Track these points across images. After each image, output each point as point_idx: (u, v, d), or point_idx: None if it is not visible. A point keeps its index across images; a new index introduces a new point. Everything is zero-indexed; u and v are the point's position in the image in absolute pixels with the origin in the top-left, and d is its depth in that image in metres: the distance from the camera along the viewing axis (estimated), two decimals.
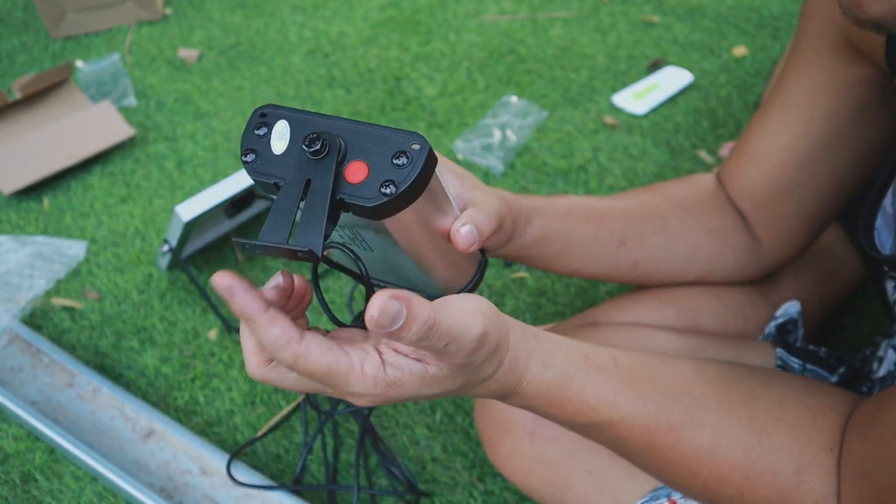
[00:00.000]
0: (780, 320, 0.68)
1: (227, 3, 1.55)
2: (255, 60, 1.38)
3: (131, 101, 1.28)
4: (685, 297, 0.70)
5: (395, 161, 0.35)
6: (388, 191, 0.35)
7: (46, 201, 1.10)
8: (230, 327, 0.90)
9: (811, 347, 0.64)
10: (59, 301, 0.94)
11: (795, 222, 0.61)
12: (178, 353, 0.88)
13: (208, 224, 0.94)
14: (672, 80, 1.27)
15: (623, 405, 0.44)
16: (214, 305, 0.89)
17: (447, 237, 0.43)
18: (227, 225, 0.99)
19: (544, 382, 0.43)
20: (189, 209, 0.80)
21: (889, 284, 0.51)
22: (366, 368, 0.36)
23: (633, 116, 1.21)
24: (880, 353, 0.63)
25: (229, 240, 1.01)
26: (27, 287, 0.95)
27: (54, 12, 1.43)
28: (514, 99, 1.23)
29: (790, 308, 0.69)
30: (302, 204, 0.36)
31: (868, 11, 0.32)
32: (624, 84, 1.28)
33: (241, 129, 1.22)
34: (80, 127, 1.15)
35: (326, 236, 0.35)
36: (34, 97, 1.16)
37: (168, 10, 1.53)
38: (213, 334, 0.90)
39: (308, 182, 0.36)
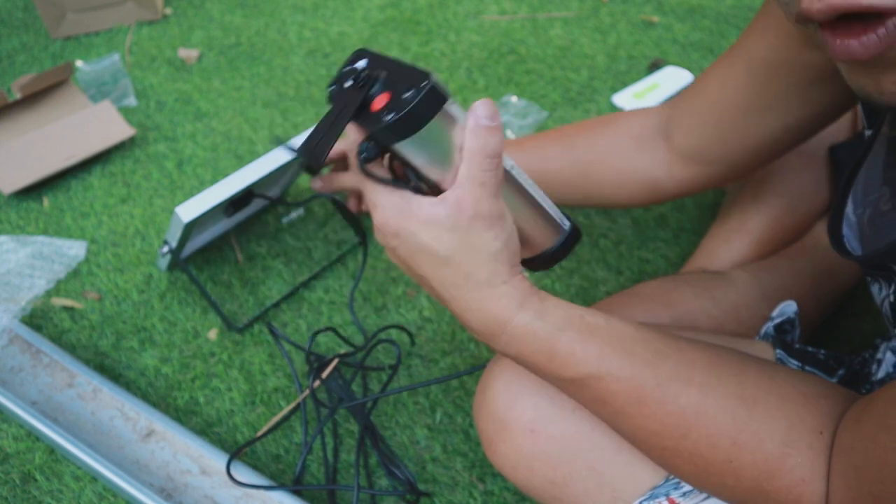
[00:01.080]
0: (778, 320, 0.68)
1: (227, 3, 1.55)
2: (255, 60, 1.38)
3: (131, 101, 1.28)
4: (680, 300, 0.70)
5: (404, 94, 0.41)
6: (388, 117, 0.41)
7: (46, 201, 1.10)
8: (230, 327, 0.90)
9: (810, 349, 0.64)
10: (59, 301, 0.94)
11: (717, 166, 0.67)
12: (178, 353, 0.88)
13: (208, 223, 0.94)
14: (672, 80, 1.27)
15: (611, 359, 0.46)
16: (215, 304, 0.89)
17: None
18: (227, 224, 1.00)
19: (534, 331, 0.46)
20: (189, 210, 0.80)
21: (874, 287, 0.52)
22: (392, 192, 0.45)
23: None
24: (879, 355, 0.63)
25: (229, 239, 1.02)
26: (27, 287, 0.95)
27: (54, 12, 1.43)
28: (514, 99, 1.23)
29: (787, 308, 0.69)
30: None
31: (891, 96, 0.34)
32: (624, 84, 1.28)
33: (241, 130, 1.22)
34: (80, 127, 1.15)
35: (331, 145, 0.42)
36: (34, 97, 1.16)
37: (168, 10, 1.53)
38: (213, 334, 0.90)
39: (345, 106, 0.43)
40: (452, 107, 0.43)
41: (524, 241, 0.51)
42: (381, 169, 0.47)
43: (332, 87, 0.46)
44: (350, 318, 0.91)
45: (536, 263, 0.54)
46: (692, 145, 0.67)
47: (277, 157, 0.86)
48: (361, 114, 0.43)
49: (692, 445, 0.45)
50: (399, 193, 0.45)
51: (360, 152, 0.45)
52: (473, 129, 0.44)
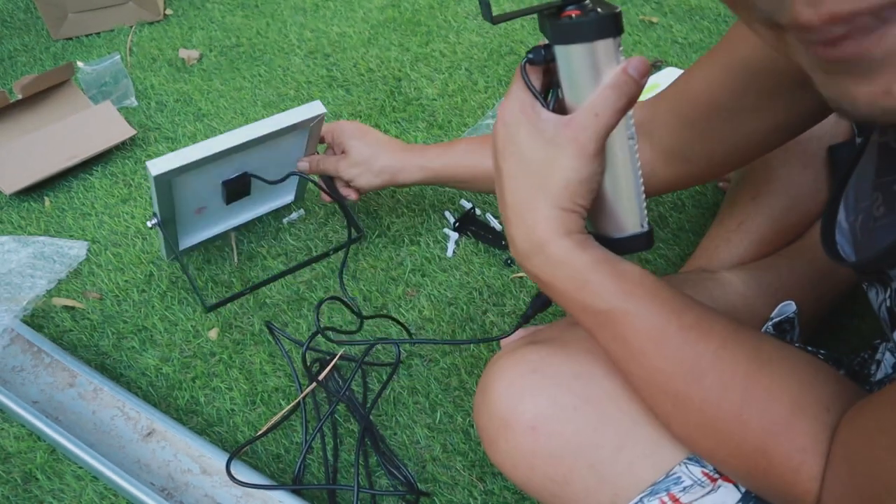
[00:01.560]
0: (776, 319, 0.68)
1: (227, 3, 1.55)
2: (255, 61, 1.38)
3: (132, 101, 1.28)
4: None
5: (593, 9, 0.45)
6: (564, 20, 0.45)
7: (48, 201, 1.11)
8: (231, 326, 0.90)
9: (809, 349, 0.64)
10: (60, 301, 0.95)
11: (698, 164, 0.67)
12: (179, 353, 0.89)
13: (206, 214, 0.93)
14: (672, 80, 1.27)
15: (640, 299, 0.47)
16: (192, 280, 0.89)
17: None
18: (228, 217, 0.98)
19: (572, 259, 0.48)
20: (161, 164, 0.76)
21: (871, 292, 0.52)
22: (527, 93, 0.48)
23: None
24: (878, 356, 0.63)
25: (230, 241, 1.02)
26: (28, 287, 0.95)
27: (55, 13, 1.43)
28: None
29: (786, 307, 0.69)
30: None
31: (888, 106, 0.30)
32: None
33: None
34: (81, 127, 1.15)
35: (514, 15, 0.46)
36: (35, 98, 1.16)
37: (169, 11, 1.53)
38: (213, 334, 0.90)
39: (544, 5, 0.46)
40: (618, 45, 0.46)
41: (598, 211, 0.52)
42: (536, 71, 0.50)
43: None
44: (350, 318, 0.91)
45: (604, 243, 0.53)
46: (674, 144, 0.67)
47: (264, 125, 0.82)
48: (549, 17, 0.46)
49: (704, 393, 0.46)
50: (529, 95, 0.48)
51: (527, 53, 0.48)
52: (621, 72, 0.46)
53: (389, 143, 0.90)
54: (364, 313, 0.92)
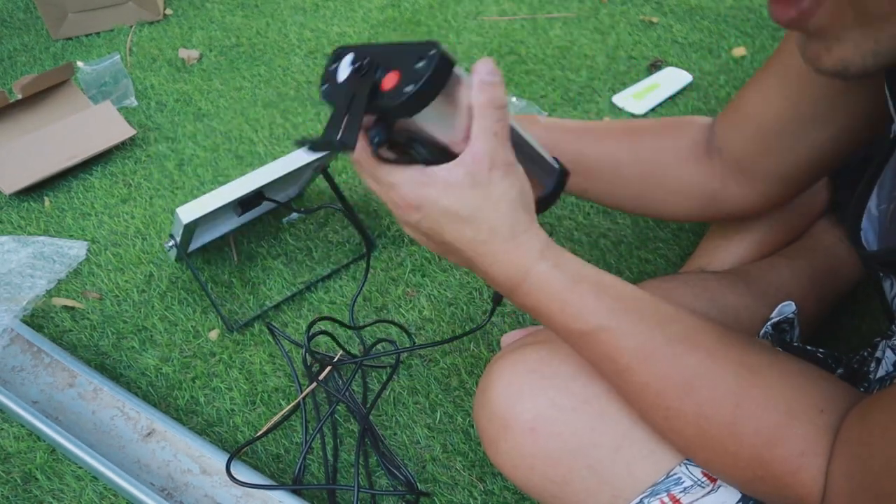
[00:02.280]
0: (776, 319, 0.68)
1: (227, 3, 1.55)
2: (255, 61, 1.38)
3: (132, 101, 1.28)
4: (678, 302, 0.70)
5: (416, 66, 0.43)
6: (408, 89, 0.42)
7: (47, 201, 1.11)
8: (231, 327, 0.90)
9: (809, 348, 0.64)
10: (59, 301, 0.95)
11: (770, 182, 0.66)
12: (179, 353, 0.89)
13: (218, 220, 0.95)
14: (672, 80, 1.27)
15: (622, 315, 0.47)
16: (215, 303, 0.89)
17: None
18: (238, 222, 1.00)
19: (552, 280, 0.48)
20: (189, 211, 0.81)
21: (886, 283, 0.52)
22: (406, 169, 0.46)
23: (633, 117, 1.21)
24: (878, 353, 0.63)
25: (229, 240, 1.02)
26: (28, 287, 0.95)
27: (55, 13, 1.43)
28: (514, 99, 1.23)
29: (785, 308, 0.69)
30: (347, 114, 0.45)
31: (823, 65, 0.39)
32: (624, 84, 1.28)
33: (242, 130, 1.22)
34: (81, 127, 1.15)
35: (359, 129, 0.44)
36: (35, 98, 1.16)
37: (168, 11, 1.53)
38: (213, 334, 0.90)
39: (354, 96, 0.45)
40: (458, 69, 0.46)
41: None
42: (387, 152, 0.49)
43: (325, 87, 0.48)
44: (349, 316, 0.91)
45: (537, 208, 0.56)
46: (739, 160, 0.66)
47: (286, 163, 0.86)
48: (373, 97, 0.45)
49: (696, 407, 0.46)
50: (414, 168, 0.47)
51: (371, 139, 0.46)
52: (480, 85, 0.46)
53: None
54: (364, 313, 0.92)
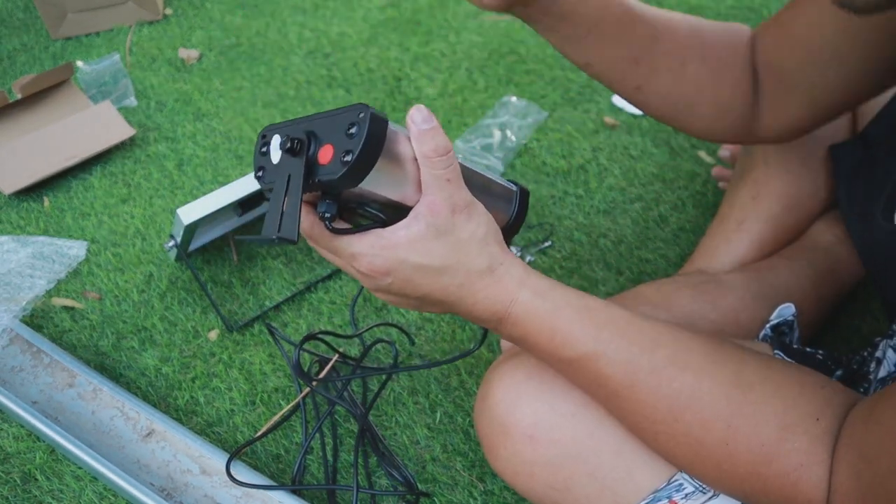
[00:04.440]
0: (775, 321, 0.68)
1: (227, 3, 1.55)
2: (255, 61, 1.38)
3: (132, 101, 1.28)
4: (679, 304, 0.70)
5: (348, 133, 0.41)
6: (347, 158, 0.41)
7: (47, 201, 1.10)
8: (231, 327, 0.90)
9: (808, 350, 0.64)
10: (59, 301, 0.95)
11: (800, 106, 0.63)
12: (179, 353, 0.89)
13: (219, 220, 0.95)
14: None
15: (608, 342, 0.47)
16: (215, 304, 0.89)
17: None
18: (238, 221, 0.99)
19: (536, 309, 0.48)
20: (190, 212, 0.81)
21: None
22: (364, 237, 0.45)
23: (633, 117, 1.21)
24: (878, 353, 0.63)
25: (229, 240, 1.02)
26: (28, 287, 0.95)
27: (55, 13, 1.43)
28: (513, 99, 1.23)
29: (784, 310, 0.69)
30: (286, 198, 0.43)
31: None
32: None
33: (242, 130, 1.22)
34: (80, 127, 1.15)
35: (299, 217, 0.42)
36: (35, 97, 1.16)
37: (168, 11, 1.53)
38: (213, 334, 0.90)
39: (289, 177, 0.42)
40: (393, 125, 0.44)
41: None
42: (340, 223, 0.47)
43: (260, 173, 0.46)
44: (350, 319, 0.91)
45: (506, 236, 0.55)
46: (782, 74, 0.64)
47: None
48: (312, 175, 0.43)
49: (686, 428, 0.46)
50: (373, 233, 0.45)
51: (322, 215, 0.44)
52: (419, 135, 0.45)
53: None
54: (364, 313, 0.92)
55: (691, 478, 0.51)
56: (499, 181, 0.54)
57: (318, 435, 0.79)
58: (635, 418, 0.48)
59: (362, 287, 0.81)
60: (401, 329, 0.88)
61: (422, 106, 0.46)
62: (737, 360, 0.47)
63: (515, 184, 0.56)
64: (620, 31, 0.59)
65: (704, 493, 0.50)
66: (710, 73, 0.63)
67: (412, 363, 0.86)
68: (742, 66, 0.64)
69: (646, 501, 0.52)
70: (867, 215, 0.66)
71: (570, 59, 0.62)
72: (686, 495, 0.51)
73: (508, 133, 1.17)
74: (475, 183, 0.51)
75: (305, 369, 0.85)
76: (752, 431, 0.44)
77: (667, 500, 0.51)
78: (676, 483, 0.51)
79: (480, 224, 0.47)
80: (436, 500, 0.74)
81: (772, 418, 0.44)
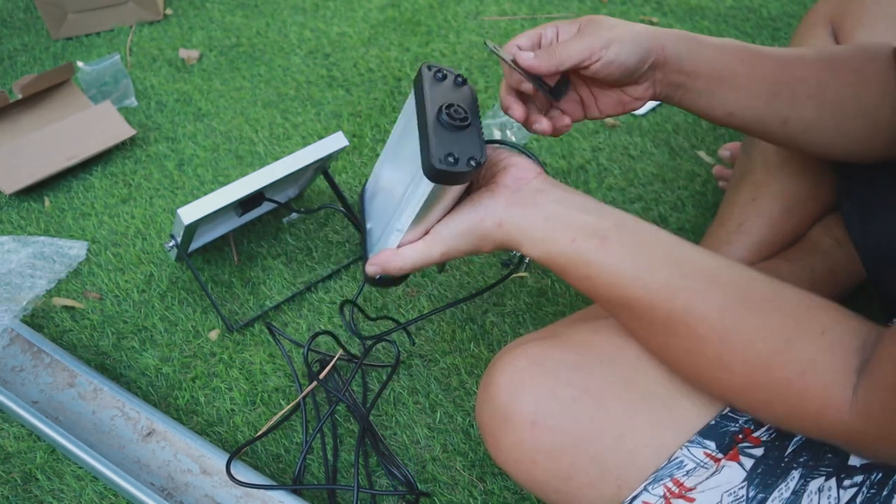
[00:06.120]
0: None
1: (227, 3, 1.55)
2: (255, 61, 1.38)
3: (132, 101, 1.28)
4: None
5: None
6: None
7: (47, 201, 1.11)
8: (231, 327, 0.90)
9: None
10: (60, 301, 0.95)
11: None
12: (179, 353, 0.89)
13: (219, 221, 0.95)
14: None
15: (687, 279, 0.49)
16: (215, 304, 0.89)
17: None
18: (238, 222, 1.00)
19: (565, 204, 0.54)
20: (191, 212, 0.81)
21: None
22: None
23: (633, 116, 1.21)
24: None
25: (229, 240, 1.02)
26: (28, 287, 0.95)
27: (55, 13, 1.43)
28: None
29: None
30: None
31: None
32: None
33: (242, 130, 1.22)
34: (81, 127, 1.15)
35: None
36: (35, 98, 1.16)
37: (168, 11, 1.53)
38: (213, 334, 0.90)
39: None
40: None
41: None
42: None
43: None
44: (360, 315, 0.91)
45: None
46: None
47: (288, 164, 0.87)
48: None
49: (682, 342, 0.49)
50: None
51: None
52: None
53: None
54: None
55: (692, 454, 0.51)
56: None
57: (318, 435, 0.79)
58: (633, 329, 0.53)
59: (362, 287, 0.82)
60: (402, 327, 0.88)
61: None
62: (746, 280, 0.48)
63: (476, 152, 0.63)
64: (748, 68, 0.60)
65: (706, 468, 0.50)
66: (850, 87, 0.62)
67: (412, 363, 0.86)
68: (885, 76, 0.62)
69: (648, 482, 0.52)
70: (868, 216, 0.66)
71: (714, 116, 0.63)
72: (687, 472, 0.51)
73: (509, 133, 1.17)
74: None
75: (306, 370, 0.85)
76: (747, 345, 0.46)
77: (669, 479, 0.51)
78: (677, 461, 0.51)
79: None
80: (436, 499, 0.74)
81: (768, 332, 0.45)
